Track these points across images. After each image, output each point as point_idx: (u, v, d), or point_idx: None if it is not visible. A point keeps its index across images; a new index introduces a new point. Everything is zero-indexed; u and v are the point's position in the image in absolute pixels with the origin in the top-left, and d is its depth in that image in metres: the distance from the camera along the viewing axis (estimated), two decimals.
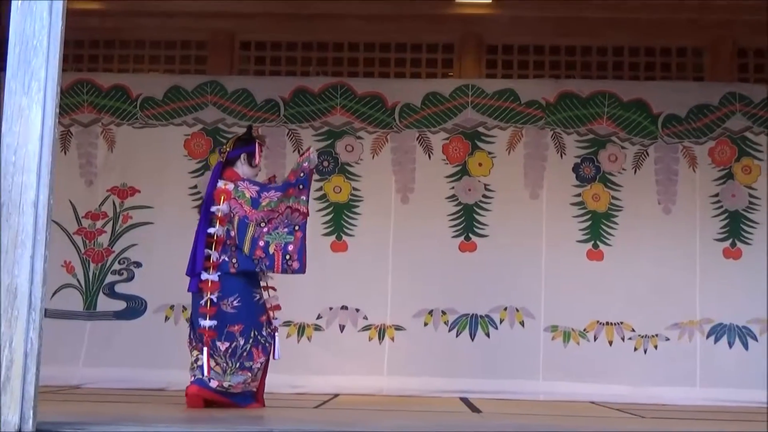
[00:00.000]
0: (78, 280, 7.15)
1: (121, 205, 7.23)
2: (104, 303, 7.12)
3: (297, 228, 5.03)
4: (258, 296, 5.13)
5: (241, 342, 5.03)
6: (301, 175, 5.10)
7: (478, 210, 7.15)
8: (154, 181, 7.23)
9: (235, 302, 5.05)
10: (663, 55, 7.66)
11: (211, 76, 7.47)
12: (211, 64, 7.70)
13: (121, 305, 7.11)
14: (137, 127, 7.31)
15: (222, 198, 5.12)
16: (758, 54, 7.58)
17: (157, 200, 7.21)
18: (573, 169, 7.16)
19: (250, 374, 5.07)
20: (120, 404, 5.40)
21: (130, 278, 7.15)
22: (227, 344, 5.02)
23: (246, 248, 5.00)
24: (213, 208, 5.11)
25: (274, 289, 5.23)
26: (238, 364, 5.04)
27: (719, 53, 7.53)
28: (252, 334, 5.06)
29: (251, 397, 5.18)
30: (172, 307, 7.07)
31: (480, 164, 7.20)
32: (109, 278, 7.15)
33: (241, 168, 5.27)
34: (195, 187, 7.20)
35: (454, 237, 7.12)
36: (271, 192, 5.10)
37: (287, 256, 4.98)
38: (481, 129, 7.22)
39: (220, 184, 5.17)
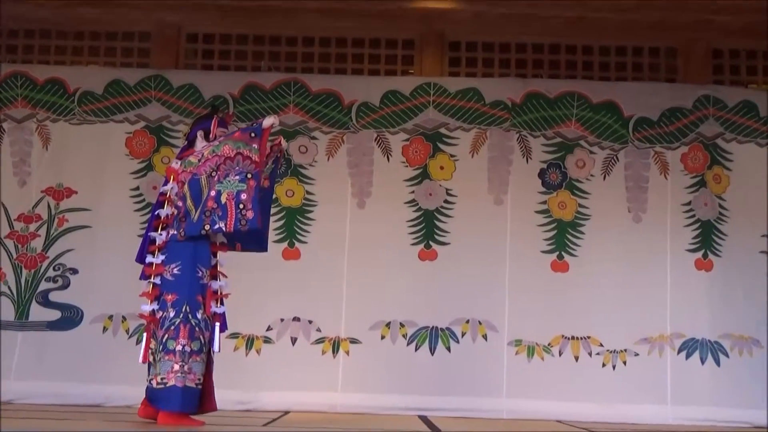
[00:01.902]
0: (9, 288, 7.11)
1: (57, 207, 7.20)
2: (37, 312, 7.08)
3: (250, 176, 5.04)
4: (201, 273, 5.12)
5: (171, 314, 5.03)
6: (253, 125, 5.20)
7: (439, 216, 7.21)
8: (92, 181, 7.22)
9: (175, 269, 5.08)
10: (635, 54, 7.76)
11: (156, 69, 7.47)
12: (155, 57, 7.69)
13: (55, 315, 7.08)
14: (75, 123, 7.30)
15: (172, 178, 5.22)
16: (733, 55, 7.72)
17: (96, 202, 7.20)
18: (539, 175, 7.25)
19: (174, 360, 4.98)
20: (54, 421, 5.37)
21: (66, 286, 7.12)
22: (161, 313, 5.05)
23: (196, 210, 5.03)
24: (160, 189, 5.22)
25: (224, 275, 5.25)
26: (161, 347, 5.01)
27: (693, 54, 7.65)
28: (184, 309, 5.03)
29: (180, 400, 5.02)
30: (110, 317, 7.04)
31: (441, 167, 7.27)
32: (43, 285, 7.12)
33: (200, 145, 5.36)
34: (137, 188, 7.21)
35: (413, 244, 7.18)
36: (215, 142, 5.21)
37: (240, 206, 4.98)
38: (443, 130, 7.29)
39: (172, 164, 5.29)
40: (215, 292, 5.18)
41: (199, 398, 5.12)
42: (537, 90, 7.34)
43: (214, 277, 5.20)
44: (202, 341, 5.08)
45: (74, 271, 7.14)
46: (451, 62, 7.75)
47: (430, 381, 6.96)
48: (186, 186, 5.12)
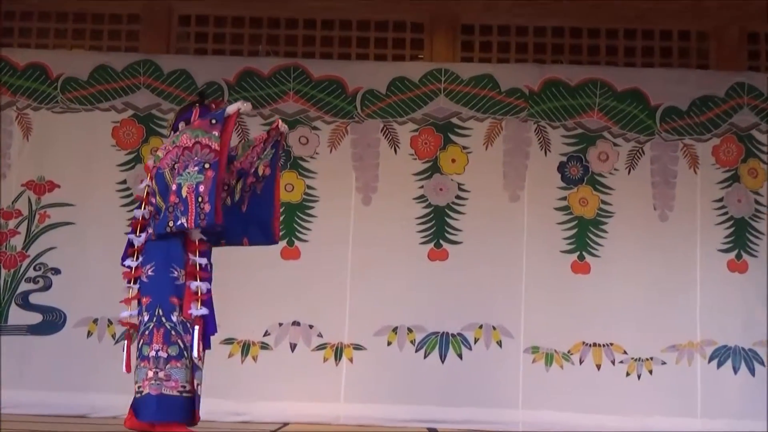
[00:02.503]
0: None
1: (38, 202, 7.13)
2: (17, 315, 7.00)
3: (207, 166, 4.94)
4: (176, 273, 5.02)
5: (145, 318, 4.99)
6: (216, 111, 5.11)
7: (450, 213, 7.13)
8: (76, 174, 7.14)
9: (149, 271, 5.03)
10: (663, 39, 7.67)
11: (145, 54, 7.39)
12: (144, 41, 7.62)
13: (36, 318, 7.00)
14: (58, 111, 7.21)
15: (148, 175, 5.21)
16: None
17: (80, 197, 7.12)
18: (558, 169, 7.17)
19: (148, 366, 4.93)
20: None
21: (47, 287, 7.03)
22: (138, 318, 5.05)
23: (164, 206, 4.99)
24: (137, 187, 5.28)
25: (204, 274, 5.07)
26: (138, 353, 4.99)
27: (726, 38, 7.55)
28: (156, 312, 4.96)
29: (154, 408, 4.94)
30: (95, 320, 6.98)
31: (453, 160, 7.18)
32: (23, 287, 7.04)
33: None
34: (124, 182, 7.13)
35: (422, 243, 7.10)
36: (177, 132, 5.17)
37: (199, 198, 4.90)
38: (454, 120, 7.21)
39: (147, 160, 5.36)
40: (194, 293, 5.02)
41: (190, 406, 5.00)
42: (556, 77, 7.25)
43: (194, 276, 5.05)
44: (182, 346, 4.97)
45: (56, 271, 7.06)
46: (463, 47, 7.66)
47: (440, 391, 6.90)
48: (154, 182, 5.08)
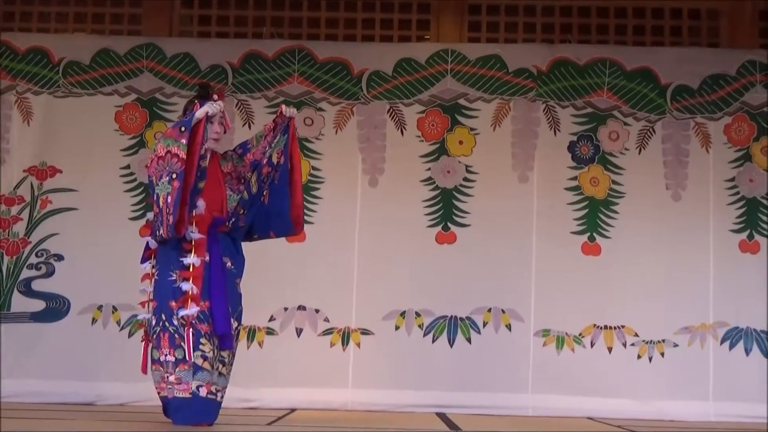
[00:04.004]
0: None
1: (40, 187, 7.11)
2: (19, 302, 6.98)
3: (174, 176, 4.94)
4: (173, 276, 5.05)
5: (153, 322, 5.09)
6: (186, 117, 5.09)
7: (458, 195, 7.11)
8: (78, 159, 7.11)
9: (156, 275, 5.13)
10: (673, 17, 7.63)
11: (148, 37, 7.37)
12: (147, 24, 7.59)
13: (39, 305, 6.98)
14: (60, 96, 7.19)
15: None
16: None
17: (83, 182, 7.10)
18: (568, 149, 7.14)
19: (161, 370, 5.03)
20: (40, 421, 5.37)
21: (50, 273, 7.01)
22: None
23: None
24: None
25: (186, 277, 5.07)
26: (150, 358, 5.11)
27: (738, 15, 7.50)
28: (161, 317, 5.04)
29: (173, 411, 5.08)
30: (100, 307, 6.97)
31: (461, 142, 7.16)
32: (25, 273, 7.01)
33: None
34: (127, 167, 7.12)
35: (430, 226, 7.08)
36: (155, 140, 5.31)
37: (167, 209, 4.94)
38: (462, 101, 7.18)
39: None
40: (184, 294, 5.04)
41: (204, 406, 5.06)
42: (565, 56, 7.23)
43: (185, 278, 5.06)
44: (185, 349, 5.02)
45: (59, 258, 7.04)
46: (470, 27, 7.63)
47: (449, 375, 6.91)
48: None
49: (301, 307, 6.97)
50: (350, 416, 6.36)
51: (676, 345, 6.92)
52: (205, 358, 5.02)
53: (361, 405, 6.74)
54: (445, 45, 7.31)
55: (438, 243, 7.05)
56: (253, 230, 5.45)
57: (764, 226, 7.05)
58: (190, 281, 5.01)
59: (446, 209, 7.08)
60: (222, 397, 5.14)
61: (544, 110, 7.14)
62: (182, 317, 4.97)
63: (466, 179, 7.11)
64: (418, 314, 6.98)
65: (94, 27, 7.66)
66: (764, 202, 7.08)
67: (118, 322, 6.92)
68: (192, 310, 4.98)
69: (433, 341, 6.94)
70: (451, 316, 6.98)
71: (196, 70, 7.17)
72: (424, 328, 6.96)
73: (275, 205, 5.40)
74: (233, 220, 5.25)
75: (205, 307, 5.02)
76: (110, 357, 6.76)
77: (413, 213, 7.06)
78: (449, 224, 7.07)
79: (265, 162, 5.34)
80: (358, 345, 6.93)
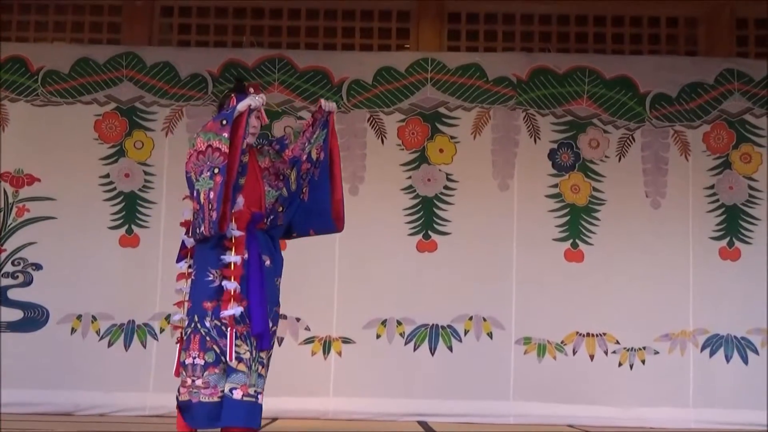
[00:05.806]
0: None
1: (15, 195, 7.08)
2: None
3: (216, 171, 4.78)
4: (212, 277, 4.89)
5: (185, 323, 4.93)
6: (227, 110, 4.94)
7: (438, 203, 7.12)
8: (57, 168, 7.10)
9: (193, 275, 4.98)
10: (651, 25, 7.67)
11: (127, 46, 7.38)
12: (126, 33, 7.59)
13: (16, 315, 6.95)
14: (38, 104, 7.19)
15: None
16: (759, 25, 7.61)
17: (61, 191, 7.09)
18: (549, 156, 7.16)
19: (186, 374, 4.86)
20: None
21: (28, 282, 6.99)
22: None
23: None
24: None
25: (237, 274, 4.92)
26: (177, 359, 4.95)
27: (715, 24, 7.55)
28: (194, 318, 4.88)
29: (191, 415, 4.90)
30: (79, 317, 6.94)
31: (441, 150, 7.17)
32: (2, 282, 6.98)
33: None
34: (107, 176, 7.10)
35: (410, 234, 7.09)
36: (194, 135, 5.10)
37: (210, 205, 4.78)
38: (442, 109, 7.20)
39: None
40: (227, 293, 4.86)
41: (244, 410, 4.89)
42: (544, 65, 7.25)
43: (227, 276, 4.89)
44: (218, 351, 4.85)
45: (37, 267, 7.01)
46: (450, 35, 7.65)
47: (431, 384, 6.91)
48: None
49: (282, 316, 6.83)
50: (332, 425, 6.35)
51: (656, 352, 6.93)
52: (240, 360, 4.85)
53: (342, 413, 6.74)
54: (425, 54, 7.32)
55: (419, 251, 7.05)
56: (293, 228, 5.29)
57: (744, 233, 7.06)
58: (232, 279, 4.85)
59: (427, 217, 7.08)
60: (262, 399, 4.96)
61: (524, 118, 7.15)
62: (223, 318, 4.81)
63: (446, 187, 7.11)
64: (399, 322, 6.97)
65: (74, 36, 7.66)
66: (745, 208, 7.08)
67: (98, 332, 6.88)
68: (235, 310, 4.81)
69: (415, 349, 6.94)
70: (433, 325, 6.97)
71: (176, 79, 7.16)
72: (405, 337, 6.95)
73: (315, 201, 5.26)
74: (271, 217, 5.08)
75: (243, 306, 4.86)
76: (89, 367, 6.74)
77: (394, 221, 7.06)
78: (430, 232, 7.07)
79: (304, 158, 5.20)
80: (340, 354, 6.92)
